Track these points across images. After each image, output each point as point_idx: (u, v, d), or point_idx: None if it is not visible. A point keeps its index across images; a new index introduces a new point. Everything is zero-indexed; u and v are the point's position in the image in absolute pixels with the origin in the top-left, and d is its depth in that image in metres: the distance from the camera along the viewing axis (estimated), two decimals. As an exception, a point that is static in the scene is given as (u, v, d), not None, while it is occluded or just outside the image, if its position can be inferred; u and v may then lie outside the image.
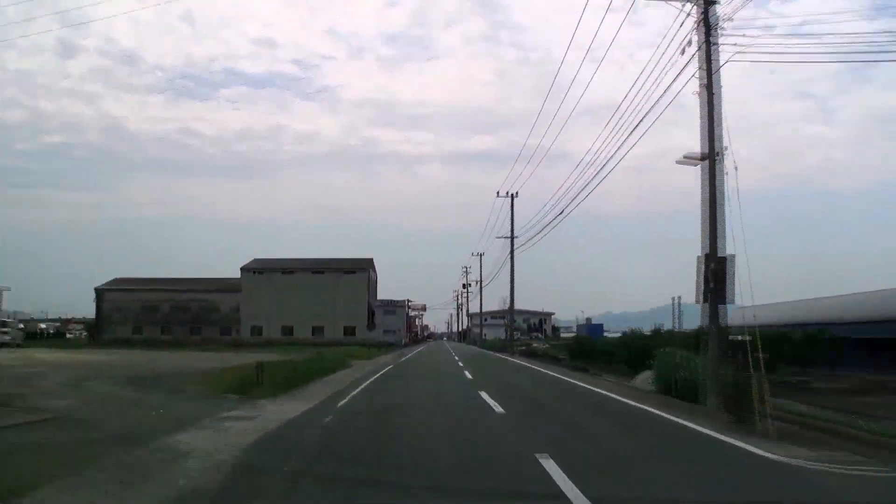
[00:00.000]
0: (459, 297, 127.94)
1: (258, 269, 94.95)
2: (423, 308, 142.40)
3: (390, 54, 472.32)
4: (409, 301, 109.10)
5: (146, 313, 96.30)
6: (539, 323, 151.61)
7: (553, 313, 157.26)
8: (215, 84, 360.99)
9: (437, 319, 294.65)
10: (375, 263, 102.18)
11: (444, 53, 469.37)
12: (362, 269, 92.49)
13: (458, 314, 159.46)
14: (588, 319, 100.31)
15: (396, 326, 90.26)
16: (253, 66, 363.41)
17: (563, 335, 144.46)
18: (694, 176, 13.69)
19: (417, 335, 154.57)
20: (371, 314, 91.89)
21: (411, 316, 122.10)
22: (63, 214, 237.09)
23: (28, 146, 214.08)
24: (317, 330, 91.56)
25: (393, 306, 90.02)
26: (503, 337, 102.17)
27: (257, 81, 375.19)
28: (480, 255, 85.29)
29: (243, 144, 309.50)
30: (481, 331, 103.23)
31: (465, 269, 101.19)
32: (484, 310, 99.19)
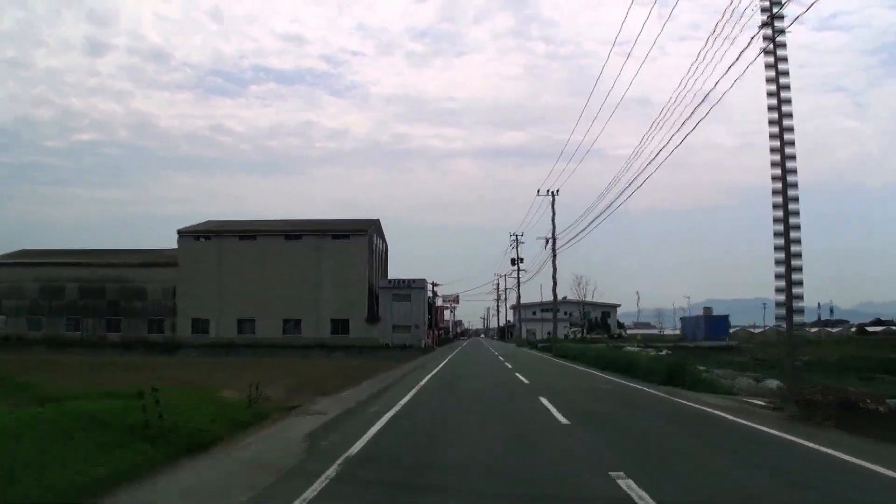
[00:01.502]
0: (504, 281, 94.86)
1: (203, 233, 62.48)
2: (456, 300, 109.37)
3: (419, 50, 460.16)
4: (434, 284, 75.93)
5: (46, 299, 64.62)
6: (602, 318, 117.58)
7: (619, 305, 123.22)
8: (245, 81, 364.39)
9: (467, 314, 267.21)
10: (385, 230, 69.22)
11: (473, 49, 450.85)
12: (360, 233, 59.55)
13: (498, 306, 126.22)
14: (707, 310, 65.96)
15: (413, 319, 57.61)
16: (281, 62, 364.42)
17: (630, 331, 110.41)
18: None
19: (447, 332, 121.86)
20: (374, 300, 58.93)
21: (437, 305, 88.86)
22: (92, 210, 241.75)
23: (58, 144, 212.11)
24: (291, 325, 59.10)
25: (407, 288, 57.58)
26: (564, 333, 69.64)
27: (286, 78, 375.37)
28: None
29: (274, 141, 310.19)
30: (520, 326, 69.89)
31: (514, 239, 67.70)
32: (528, 301, 66.57)
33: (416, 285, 58.61)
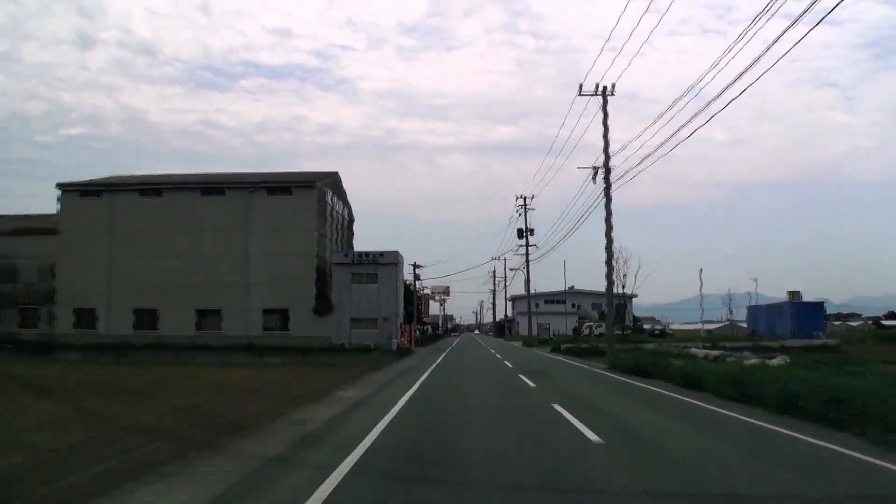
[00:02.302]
0: (504, 264, 77.77)
1: (92, 188, 44.73)
2: (446, 292, 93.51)
3: (410, 44, 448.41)
4: (416, 266, 58.53)
5: None
6: (616, 312, 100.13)
7: (635, 296, 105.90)
8: (234, 75, 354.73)
9: (458, 308, 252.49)
10: (346, 185, 51.65)
11: (463, 43, 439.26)
12: (306, 187, 41.94)
13: (494, 298, 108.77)
14: (793, 294, 48.00)
15: (381, 308, 39.66)
16: (271, 57, 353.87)
17: (645, 326, 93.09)
18: None
19: (436, 328, 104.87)
20: (326, 282, 41.38)
21: (423, 294, 71.97)
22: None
23: (48, 139, 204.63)
24: (208, 318, 41.75)
25: (372, 263, 39.80)
26: (580, 331, 54.09)
27: (276, 73, 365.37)
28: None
29: (264, 136, 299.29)
30: (529, 319, 52.86)
31: (521, 204, 50.61)
32: (532, 291, 49.77)
33: (385, 260, 41.11)
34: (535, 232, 49.57)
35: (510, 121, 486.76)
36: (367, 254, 41.34)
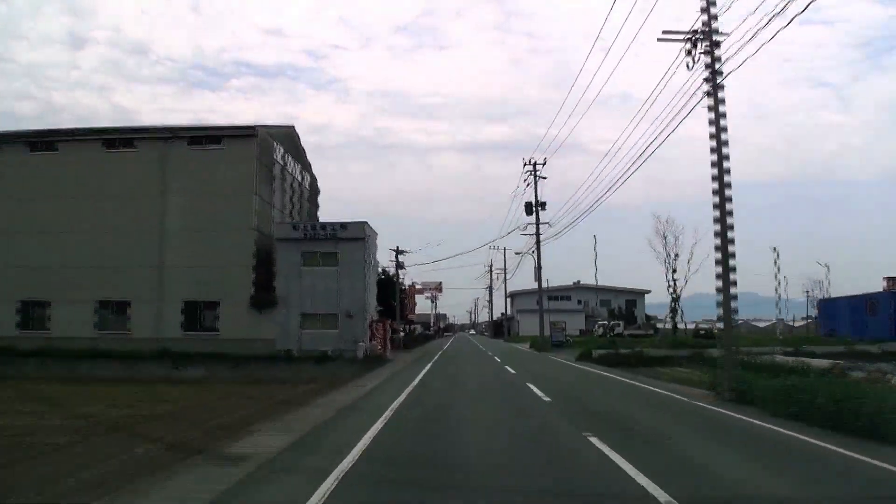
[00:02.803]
0: (505, 255, 67.70)
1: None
2: (438, 288, 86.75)
3: (402, 44, 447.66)
4: (398, 251, 47.78)
5: None
6: (626, 307, 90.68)
7: (648, 291, 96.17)
8: (226, 75, 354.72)
9: (451, 306, 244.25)
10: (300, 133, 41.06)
11: (455, 43, 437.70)
12: (242, 137, 31.06)
13: (491, 294, 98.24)
14: (892, 282, 37.26)
15: (343, 300, 28.98)
16: (263, 56, 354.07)
17: (659, 325, 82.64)
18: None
19: (427, 328, 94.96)
20: (269, 266, 30.42)
21: (410, 287, 61.75)
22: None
23: None
24: (111, 314, 30.98)
25: (330, 238, 29.13)
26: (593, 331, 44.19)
27: (268, 72, 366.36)
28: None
29: None
30: (542, 317, 42.30)
31: (529, 170, 40.14)
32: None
33: (350, 233, 29.55)
34: (546, 207, 38.82)
35: (503, 119, 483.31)
36: (324, 225, 30.33)
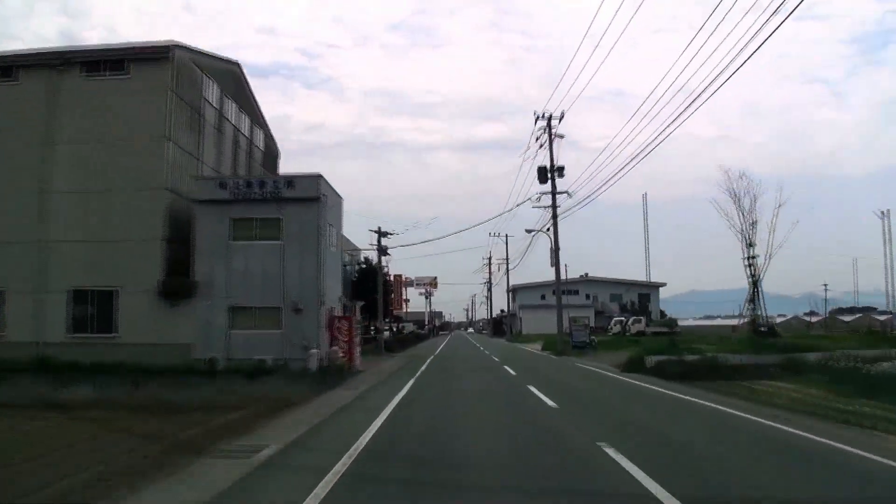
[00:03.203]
0: (506, 246, 59.82)
1: None
2: (433, 283, 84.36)
3: (396, 42, 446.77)
4: (381, 233, 39.45)
5: None
6: (640, 301, 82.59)
7: (663, 284, 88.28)
8: None
9: (446, 303, 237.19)
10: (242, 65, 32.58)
11: (450, 41, 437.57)
12: (152, 59, 22.61)
13: (490, 289, 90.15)
14: None
15: (291, 288, 20.93)
16: (257, 55, 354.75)
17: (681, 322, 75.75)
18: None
19: (421, 326, 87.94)
20: (188, 241, 22.03)
21: (389, 275, 53.95)
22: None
23: None
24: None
25: (271, 197, 21.26)
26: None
27: (262, 71, 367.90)
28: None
29: None
30: (560, 312, 33.82)
31: (543, 127, 31.70)
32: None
33: (299, 192, 20.60)
34: (564, 172, 30.37)
35: (498, 117, 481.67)
36: (262, 181, 21.77)
